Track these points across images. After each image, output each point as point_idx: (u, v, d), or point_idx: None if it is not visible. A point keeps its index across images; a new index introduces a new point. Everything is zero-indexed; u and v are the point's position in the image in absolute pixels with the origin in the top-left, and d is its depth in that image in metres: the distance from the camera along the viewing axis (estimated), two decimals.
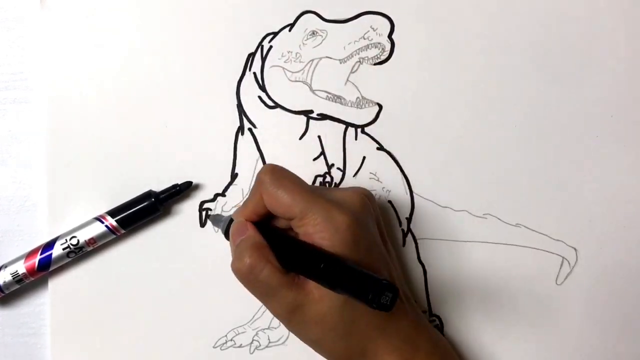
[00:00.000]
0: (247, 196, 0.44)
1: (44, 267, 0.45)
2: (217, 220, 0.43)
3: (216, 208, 0.46)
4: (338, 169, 0.47)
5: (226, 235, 0.41)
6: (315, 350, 0.40)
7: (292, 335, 0.46)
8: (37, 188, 0.47)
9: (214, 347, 0.46)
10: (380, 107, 0.46)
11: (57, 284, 0.46)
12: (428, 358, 0.40)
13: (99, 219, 0.45)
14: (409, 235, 0.46)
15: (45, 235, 0.46)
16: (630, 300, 0.46)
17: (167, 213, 0.47)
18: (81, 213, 0.46)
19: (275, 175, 0.39)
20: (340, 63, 0.46)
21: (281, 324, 0.41)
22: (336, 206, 0.38)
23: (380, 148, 0.47)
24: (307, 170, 0.47)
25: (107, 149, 0.47)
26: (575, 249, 0.47)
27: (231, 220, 0.41)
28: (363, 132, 0.47)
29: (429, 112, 0.47)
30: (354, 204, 0.39)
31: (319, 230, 0.37)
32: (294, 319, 0.38)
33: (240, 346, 0.46)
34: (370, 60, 0.47)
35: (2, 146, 0.47)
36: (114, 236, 0.45)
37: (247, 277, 0.38)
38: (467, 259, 0.46)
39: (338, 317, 0.38)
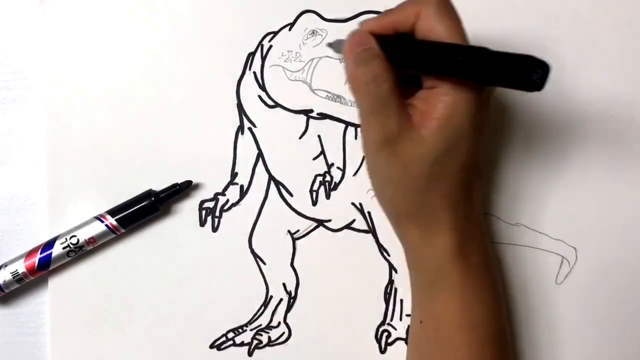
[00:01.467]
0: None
1: (44, 267, 0.45)
2: (341, 44, 0.41)
3: (216, 207, 0.46)
4: (338, 168, 0.47)
5: (337, 48, 0.40)
6: (379, 196, 0.40)
7: (293, 334, 0.46)
8: (37, 188, 0.47)
9: (212, 346, 0.46)
10: None
11: (57, 284, 0.46)
12: (480, 252, 0.39)
13: (99, 218, 0.45)
14: None
15: (45, 235, 0.46)
16: (629, 299, 0.46)
17: (167, 212, 0.47)
18: (81, 212, 0.46)
19: (443, 1, 0.37)
20: (340, 62, 0.46)
21: (366, 158, 0.40)
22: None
23: None
24: (307, 170, 0.47)
25: (107, 148, 0.47)
26: (574, 249, 0.47)
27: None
28: None
29: None
30: None
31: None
32: (385, 149, 0.37)
33: (241, 344, 0.46)
34: None
35: (2, 146, 0.47)
36: (114, 235, 0.45)
37: (366, 85, 0.37)
38: None
39: (427, 167, 0.37)
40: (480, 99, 0.37)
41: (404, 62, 0.37)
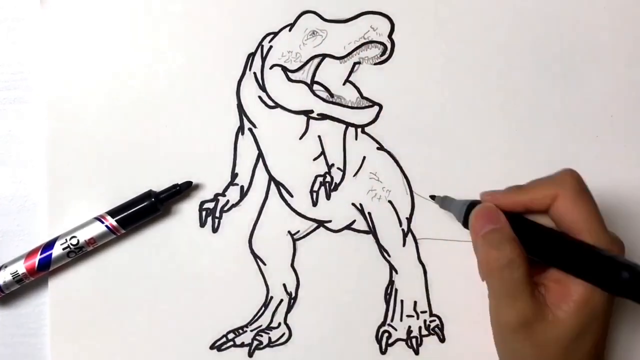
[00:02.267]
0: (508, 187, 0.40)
1: (44, 267, 0.45)
2: (448, 202, 0.42)
3: (216, 208, 0.46)
4: (338, 168, 0.47)
5: (464, 221, 0.40)
6: None
7: (293, 335, 0.46)
8: (37, 188, 0.47)
9: (212, 347, 0.46)
10: (381, 107, 0.46)
11: (57, 284, 0.46)
12: None
13: (99, 218, 0.45)
14: (409, 235, 0.46)
15: (45, 235, 0.46)
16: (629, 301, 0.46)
17: (167, 213, 0.47)
18: (81, 213, 0.46)
19: (581, 185, 0.38)
20: (341, 63, 0.46)
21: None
22: (617, 246, 0.37)
23: (381, 148, 0.47)
24: (307, 170, 0.47)
25: (107, 148, 0.47)
26: None
27: (471, 205, 0.40)
28: (363, 132, 0.47)
29: (429, 112, 0.47)
30: (622, 249, 0.38)
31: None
32: (519, 331, 0.37)
33: (241, 345, 0.46)
34: (370, 60, 0.47)
35: (2, 146, 0.47)
36: (114, 236, 0.45)
37: (500, 270, 0.37)
38: (467, 259, 0.46)
39: (563, 348, 0.37)
40: None
41: (537, 251, 0.37)
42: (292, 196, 0.47)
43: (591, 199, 0.38)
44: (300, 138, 0.47)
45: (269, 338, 0.46)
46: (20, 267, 0.45)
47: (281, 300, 0.46)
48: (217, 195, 0.47)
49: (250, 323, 0.46)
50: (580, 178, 0.38)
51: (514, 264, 0.37)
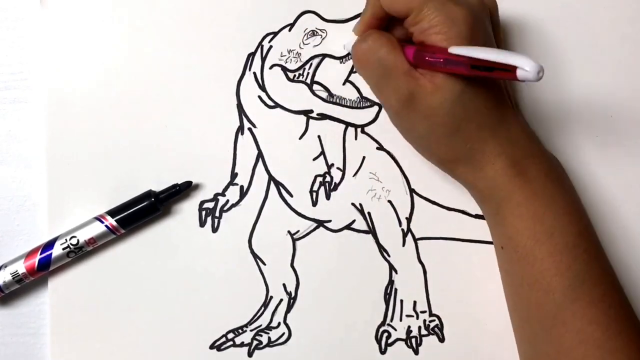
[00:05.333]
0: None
1: (44, 267, 0.45)
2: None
3: (216, 208, 0.46)
4: (338, 168, 0.47)
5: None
6: (420, 151, 0.42)
7: (293, 334, 0.46)
8: (37, 188, 0.47)
9: (211, 347, 0.46)
10: (380, 106, 0.46)
11: (57, 284, 0.46)
12: (538, 164, 0.40)
13: (99, 218, 0.45)
14: (409, 235, 0.46)
15: (45, 235, 0.46)
16: (630, 300, 0.46)
17: (167, 213, 0.47)
18: (81, 213, 0.46)
19: None
20: (340, 63, 0.46)
21: (393, 117, 0.42)
22: (453, 1, 0.38)
23: (380, 148, 0.47)
24: (307, 170, 0.47)
25: (107, 148, 0.46)
26: None
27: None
28: (363, 131, 0.47)
29: None
30: (466, 2, 0.39)
31: (435, 24, 0.38)
32: (404, 109, 0.39)
33: (241, 344, 0.46)
34: None
35: (2, 146, 0.47)
36: (114, 236, 0.45)
37: (365, 55, 0.40)
38: (467, 259, 0.46)
39: (449, 111, 0.38)
40: (473, 17, 0.38)
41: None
42: (291, 196, 0.47)
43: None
44: (300, 138, 0.47)
45: (269, 338, 0.46)
46: (20, 267, 0.45)
47: (281, 300, 0.46)
48: (216, 195, 0.47)
49: (250, 323, 0.46)
50: None
51: (375, 45, 0.40)
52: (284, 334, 0.46)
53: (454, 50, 0.36)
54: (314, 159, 0.47)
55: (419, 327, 0.46)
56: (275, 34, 0.47)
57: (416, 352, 0.46)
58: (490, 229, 0.43)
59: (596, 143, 0.47)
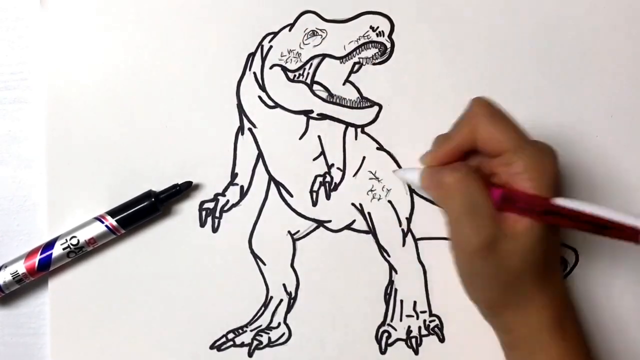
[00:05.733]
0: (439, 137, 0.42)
1: (44, 267, 0.45)
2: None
3: (216, 208, 0.46)
4: (338, 168, 0.47)
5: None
6: (473, 293, 0.41)
7: (293, 335, 0.46)
8: (37, 188, 0.47)
9: (212, 347, 0.46)
10: (380, 106, 0.47)
11: (57, 284, 0.46)
12: (574, 323, 0.40)
13: (99, 218, 0.45)
14: (409, 235, 0.47)
15: (45, 235, 0.46)
16: (629, 302, 0.46)
17: (167, 213, 0.47)
18: (81, 213, 0.46)
19: (491, 108, 0.39)
20: (340, 63, 0.46)
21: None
22: (545, 151, 0.38)
23: (380, 148, 0.47)
24: (307, 170, 0.47)
25: (107, 148, 0.47)
26: (574, 250, 0.47)
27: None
28: (363, 131, 0.47)
29: (428, 112, 0.47)
30: (553, 153, 0.39)
31: (527, 169, 0.37)
32: (482, 251, 0.38)
33: (241, 344, 0.46)
34: (370, 60, 0.47)
35: (2, 146, 0.47)
36: (114, 236, 0.45)
37: (457, 189, 0.38)
38: None
39: (524, 260, 0.38)
40: (558, 172, 0.39)
41: None
42: (292, 196, 0.47)
43: (506, 116, 0.39)
44: (300, 138, 0.47)
45: (269, 338, 0.46)
46: (20, 267, 0.45)
47: (281, 300, 0.46)
48: (217, 195, 0.47)
49: (250, 323, 0.46)
50: (489, 101, 0.39)
51: (471, 181, 0.38)
52: (284, 334, 0.46)
53: (561, 202, 0.36)
54: (314, 159, 0.47)
55: (419, 327, 0.46)
56: (275, 34, 0.47)
57: (416, 352, 0.46)
58: None
59: (596, 143, 0.47)
